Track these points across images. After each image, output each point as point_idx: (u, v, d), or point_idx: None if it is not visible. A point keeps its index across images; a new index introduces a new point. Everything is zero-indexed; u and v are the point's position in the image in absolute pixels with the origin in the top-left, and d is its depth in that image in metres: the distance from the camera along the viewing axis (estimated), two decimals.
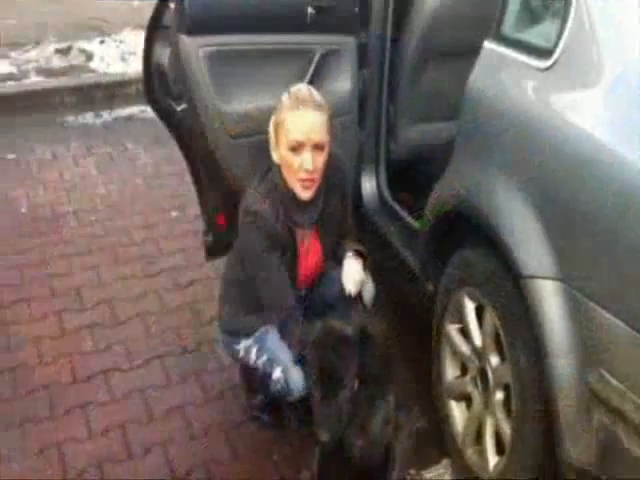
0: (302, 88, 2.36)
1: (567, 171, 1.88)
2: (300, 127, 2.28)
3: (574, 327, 1.85)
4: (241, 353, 2.58)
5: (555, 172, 1.92)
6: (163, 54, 2.77)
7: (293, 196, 2.37)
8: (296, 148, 2.29)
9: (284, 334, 2.41)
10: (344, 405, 2.11)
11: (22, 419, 2.78)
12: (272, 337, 2.47)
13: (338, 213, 2.53)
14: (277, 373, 2.41)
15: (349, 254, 2.56)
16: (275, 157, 2.38)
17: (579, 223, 1.84)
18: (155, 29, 2.82)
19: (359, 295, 2.54)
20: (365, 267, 2.56)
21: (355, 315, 2.25)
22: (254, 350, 2.52)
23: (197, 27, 2.52)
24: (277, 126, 2.33)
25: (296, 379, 2.35)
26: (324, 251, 2.53)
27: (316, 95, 2.33)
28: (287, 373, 2.38)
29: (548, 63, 2.01)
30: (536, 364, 1.97)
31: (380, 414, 2.17)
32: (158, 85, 2.88)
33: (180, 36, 2.54)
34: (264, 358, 2.48)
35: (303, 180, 2.33)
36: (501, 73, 2.23)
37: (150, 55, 2.85)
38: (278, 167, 2.38)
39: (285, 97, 2.33)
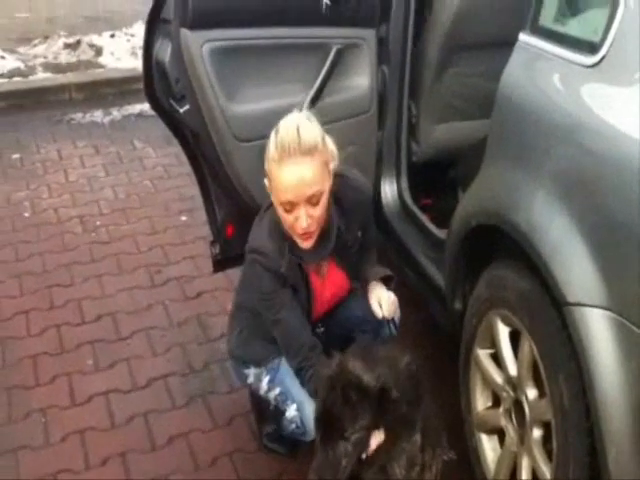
0: (289, 131, 1.99)
1: (617, 184, 1.68)
2: (288, 185, 2.00)
3: (626, 363, 1.66)
4: (250, 379, 2.40)
5: (603, 184, 1.73)
6: (164, 50, 2.59)
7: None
8: (288, 208, 2.03)
9: (300, 379, 2.19)
10: (343, 460, 1.85)
11: (16, 446, 2.60)
12: (285, 366, 2.27)
13: (357, 234, 2.30)
14: (291, 411, 2.22)
15: (374, 282, 2.34)
16: (272, 200, 2.12)
17: (631, 243, 1.62)
18: (155, 22, 2.65)
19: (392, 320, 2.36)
20: (391, 289, 2.36)
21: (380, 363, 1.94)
22: (265, 380, 2.33)
23: (201, 20, 2.36)
24: (268, 172, 2.06)
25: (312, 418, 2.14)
26: (349, 274, 2.32)
27: (305, 135, 1.98)
28: (302, 412, 2.18)
29: (595, 59, 1.81)
30: (582, 402, 1.77)
31: (404, 457, 1.92)
32: (159, 84, 2.71)
33: (182, 30, 2.37)
34: (276, 391, 2.29)
35: (301, 234, 2.09)
36: (539, 70, 2.05)
37: (150, 51, 2.67)
38: None
39: (272, 137, 2.02)
